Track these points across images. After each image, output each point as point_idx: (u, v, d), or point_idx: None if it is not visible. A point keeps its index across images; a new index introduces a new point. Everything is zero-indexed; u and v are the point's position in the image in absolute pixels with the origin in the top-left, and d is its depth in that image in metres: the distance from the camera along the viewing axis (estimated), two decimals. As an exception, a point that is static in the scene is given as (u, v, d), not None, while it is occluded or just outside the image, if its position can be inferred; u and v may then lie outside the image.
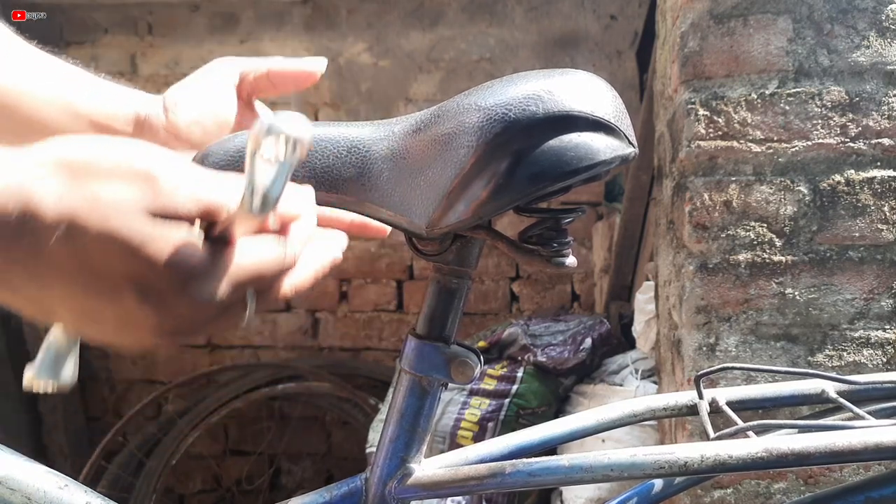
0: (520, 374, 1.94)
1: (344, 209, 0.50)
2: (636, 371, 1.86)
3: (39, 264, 0.33)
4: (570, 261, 0.50)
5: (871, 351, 1.19)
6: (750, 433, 0.51)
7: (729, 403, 0.60)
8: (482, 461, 0.56)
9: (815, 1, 1.21)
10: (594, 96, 0.47)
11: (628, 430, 1.69)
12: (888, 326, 1.18)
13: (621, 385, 1.86)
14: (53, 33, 3.07)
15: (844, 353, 1.19)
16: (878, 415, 0.56)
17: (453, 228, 0.47)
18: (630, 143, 0.48)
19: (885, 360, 1.19)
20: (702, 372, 0.61)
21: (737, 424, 0.53)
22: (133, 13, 3.07)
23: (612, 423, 0.61)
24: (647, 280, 1.85)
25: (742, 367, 0.61)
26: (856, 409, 0.53)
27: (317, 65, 0.61)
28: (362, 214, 0.51)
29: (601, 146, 0.46)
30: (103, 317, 0.35)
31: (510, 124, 0.45)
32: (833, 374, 0.59)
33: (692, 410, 0.61)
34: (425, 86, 3.01)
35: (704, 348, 1.22)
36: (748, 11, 1.22)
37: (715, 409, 0.60)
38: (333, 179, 0.49)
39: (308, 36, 3.04)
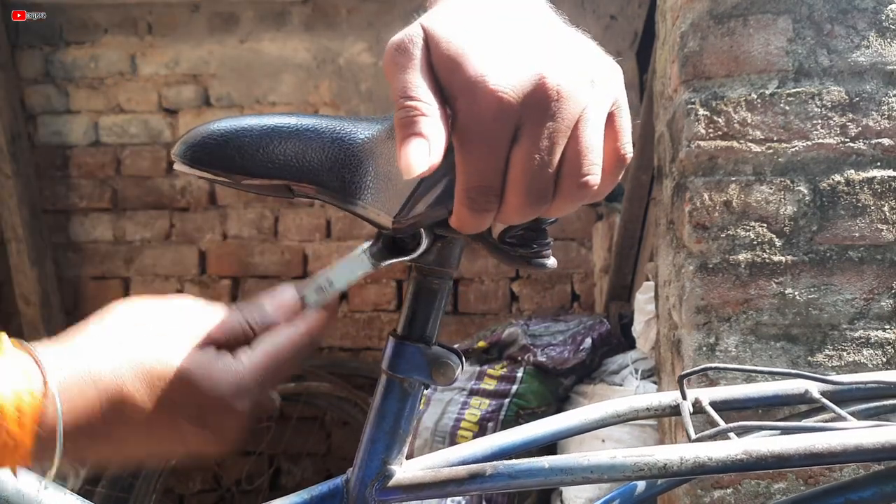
0: (520, 374, 1.94)
1: (318, 200, 0.50)
2: (636, 371, 1.86)
3: (128, 434, 0.45)
4: (551, 262, 0.50)
5: (871, 351, 1.18)
6: (731, 434, 0.50)
7: (712, 404, 0.60)
8: (464, 462, 0.56)
9: (815, 1, 1.21)
10: None
11: (629, 431, 1.69)
12: (888, 326, 1.18)
13: (621, 385, 1.86)
14: (53, 33, 3.08)
15: (844, 353, 1.19)
16: (859, 415, 0.56)
17: (420, 221, 0.47)
18: None
19: (885, 360, 1.18)
20: (684, 372, 0.60)
21: (719, 425, 0.52)
22: (133, 13, 3.07)
23: (596, 423, 0.61)
24: (647, 280, 1.84)
25: (723, 368, 0.60)
26: (838, 410, 0.53)
27: None
28: (336, 206, 0.50)
29: None
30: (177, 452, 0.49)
31: None
32: (816, 374, 0.58)
33: (675, 411, 0.61)
34: (426, 86, 3.00)
35: (704, 348, 1.21)
36: (748, 11, 1.22)
37: (698, 409, 0.60)
38: (312, 171, 0.48)
39: (308, 36, 3.04)
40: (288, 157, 0.48)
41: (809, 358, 1.19)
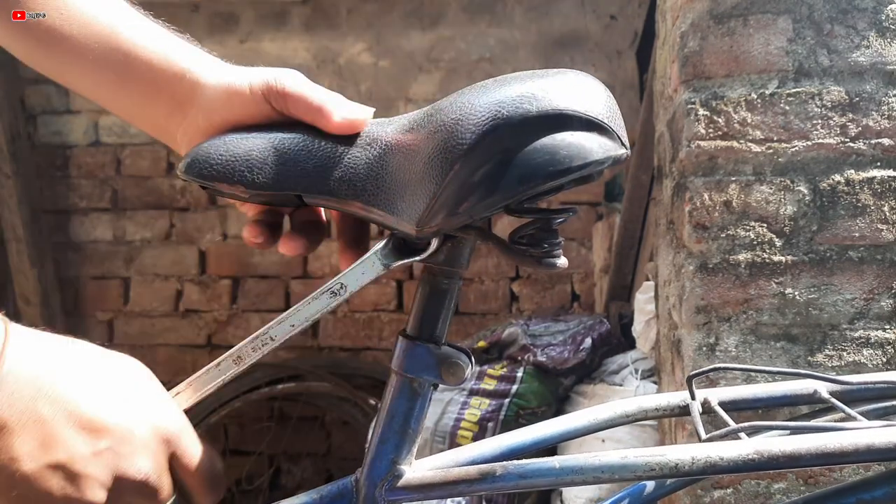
0: (520, 374, 1.94)
1: (333, 209, 0.50)
2: (636, 371, 1.86)
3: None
4: (562, 262, 0.50)
5: (871, 351, 1.18)
6: (742, 434, 0.50)
7: (721, 404, 0.60)
8: (473, 462, 0.56)
9: (815, 1, 1.21)
10: (588, 96, 0.47)
11: (629, 431, 1.69)
12: (888, 326, 1.18)
13: (621, 385, 1.86)
14: (54, 33, 3.07)
15: (844, 353, 1.19)
16: (869, 415, 0.55)
17: (442, 228, 0.47)
18: (623, 144, 0.48)
19: (885, 360, 1.18)
20: (693, 372, 0.60)
21: (729, 425, 0.52)
22: (133, 13, 3.06)
23: (605, 424, 0.61)
24: (647, 280, 1.84)
25: (733, 368, 0.60)
26: (847, 410, 0.53)
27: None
28: (351, 214, 0.51)
29: (594, 146, 0.46)
30: None
31: (503, 122, 0.45)
32: (826, 375, 0.58)
33: (684, 411, 0.61)
34: (425, 86, 3.01)
35: (704, 348, 1.21)
36: (748, 11, 1.22)
37: (707, 409, 0.60)
38: (324, 180, 0.49)
39: (308, 36, 3.03)
40: (297, 169, 0.49)
41: (809, 358, 1.19)
